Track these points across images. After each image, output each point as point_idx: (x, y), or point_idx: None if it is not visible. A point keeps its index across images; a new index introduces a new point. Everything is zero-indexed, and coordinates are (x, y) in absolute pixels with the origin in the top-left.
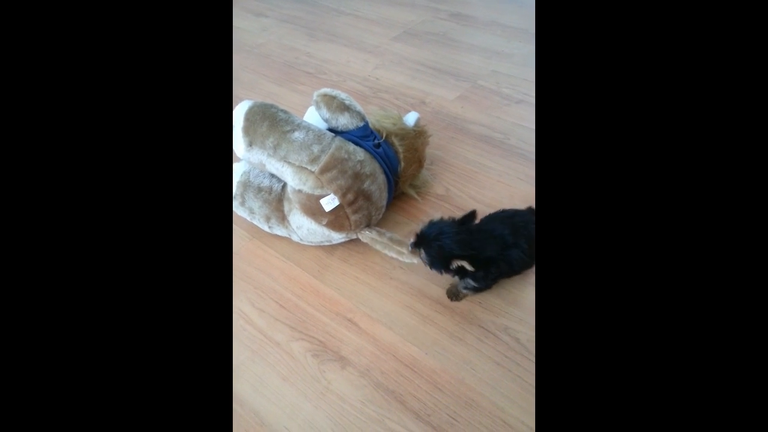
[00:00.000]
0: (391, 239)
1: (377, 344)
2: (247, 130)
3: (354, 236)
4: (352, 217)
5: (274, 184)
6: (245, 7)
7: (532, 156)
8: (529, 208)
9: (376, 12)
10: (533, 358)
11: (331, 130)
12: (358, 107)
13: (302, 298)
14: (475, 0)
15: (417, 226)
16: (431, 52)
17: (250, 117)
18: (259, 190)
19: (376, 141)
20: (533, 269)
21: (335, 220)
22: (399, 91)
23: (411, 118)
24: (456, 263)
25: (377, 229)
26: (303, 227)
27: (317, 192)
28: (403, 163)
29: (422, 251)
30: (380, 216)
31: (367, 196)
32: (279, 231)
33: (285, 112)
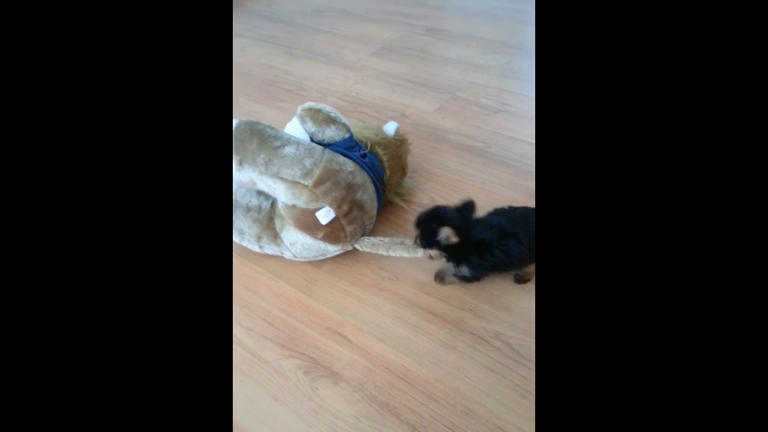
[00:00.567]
0: (391, 240)
1: (369, 357)
2: (237, 148)
3: (349, 247)
4: (348, 228)
5: (262, 202)
6: None
7: (514, 163)
8: (528, 207)
9: (353, 29)
10: (527, 363)
11: (316, 143)
12: (343, 119)
13: (291, 315)
14: (448, 15)
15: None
16: (409, 66)
17: (239, 135)
18: (248, 209)
19: (362, 151)
20: (532, 268)
21: (331, 232)
22: (379, 104)
23: (390, 128)
24: (444, 233)
25: (373, 236)
26: (297, 243)
27: (312, 206)
28: (388, 172)
29: (418, 231)
30: (372, 225)
31: (360, 206)
32: (270, 250)
33: (272, 128)
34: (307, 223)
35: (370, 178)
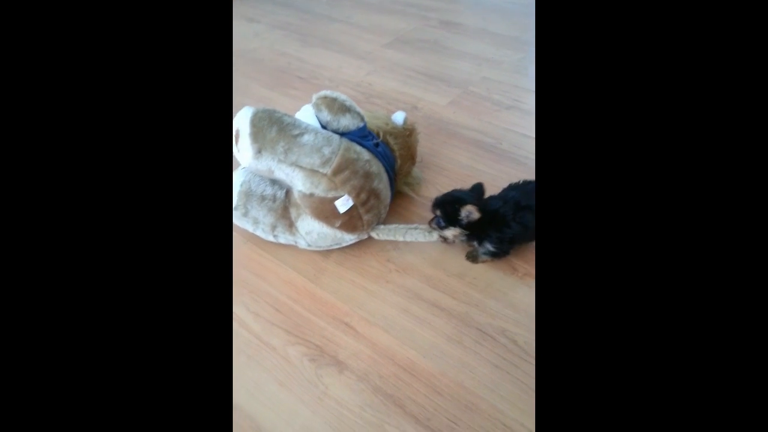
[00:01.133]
0: (407, 226)
1: (375, 348)
2: (256, 136)
3: (365, 236)
4: (365, 217)
5: (276, 191)
6: (238, 12)
7: (524, 160)
8: None
9: (367, 20)
10: (531, 361)
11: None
12: (358, 108)
13: (298, 302)
14: (463, 8)
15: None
16: (422, 59)
17: (257, 123)
18: (263, 198)
19: (375, 141)
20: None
21: (349, 221)
22: (391, 96)
23: (399, 117)
24: (464, 211)
25: (389, 225)
26: (313, 232)
27: (331, 194)
28: (399, 161)
29: (436, 212)
30: (386, 214)
31: (376, 195)
32: (284, 239)
33: (288, 116)
34: (324, 211)
35: (384, 167)
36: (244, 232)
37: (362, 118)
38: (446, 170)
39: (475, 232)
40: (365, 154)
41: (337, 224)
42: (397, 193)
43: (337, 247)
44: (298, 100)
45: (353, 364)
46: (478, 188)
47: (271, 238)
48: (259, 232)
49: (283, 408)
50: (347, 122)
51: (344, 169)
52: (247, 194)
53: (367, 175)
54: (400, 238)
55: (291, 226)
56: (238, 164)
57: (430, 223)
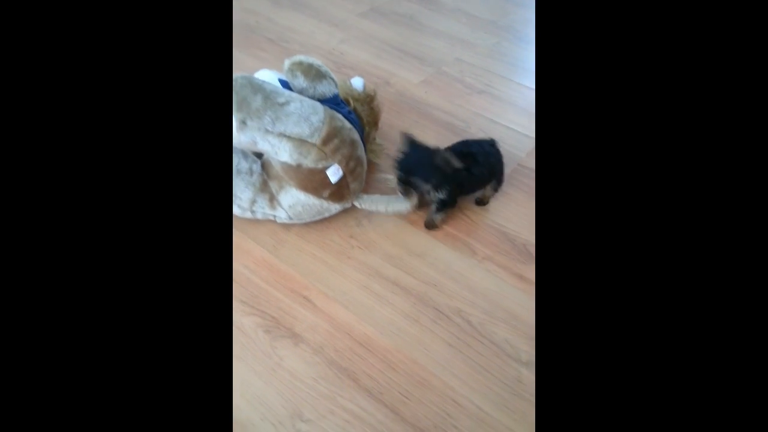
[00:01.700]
0: (389, 198)
1: (332, 322)
2: (240, 105)
3: (348, 205)
4: (352, 186)
5: (251, 164)
6: None
7: None
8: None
9: None
10: (484, 341)
11: None
12: (332, 74)
13: (255, 273)
14: None
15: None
16: (397, 33)
17: (239, 91)
18: (238, 172)
19: (348, 108)
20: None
21: (337, 191)
22: (364, 69)
23: (358, 83)
24: (445, 161)
25: (369, 195)
26: (297, 205)
27: (321, 164)
28: (367, 128)
29: (413, 179)
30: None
31: (360, 162)
32: (262, 214)
33: (267, 83)
34: (313, 182)
35: (359, 134)
36: None
37: (336, 85)
38: None
39: (435, 185)
40: (346, 122)
41: (326, 194)
42: None
43: (320, 218)
44: (266, 63)
45: (309, 337)
46: (411, 141)
47: (248, 215)
48: (235, 210)
49: (236, 378)
50: (324, 89)
51: (333, 137)
52: None
53: (353, 143)
54: (382, 209)
55: (272, 199)
56: None
57: (400, 189)
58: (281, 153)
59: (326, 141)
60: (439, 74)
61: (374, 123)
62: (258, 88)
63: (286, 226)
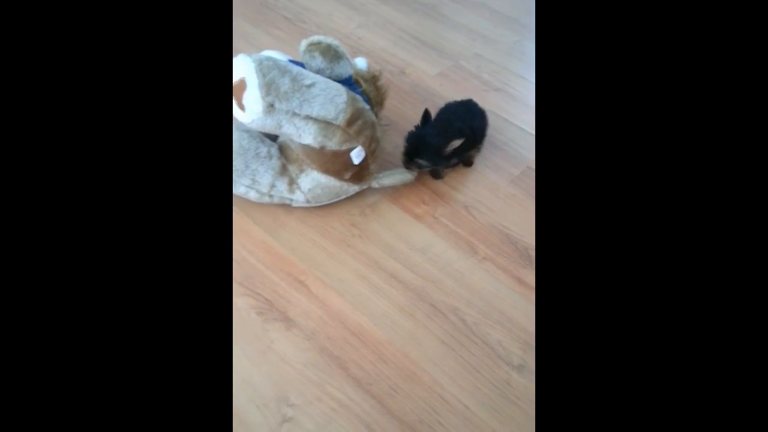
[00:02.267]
0: (392, 171)
1: (326, 309)
2: (269, 88)
3: (365, 186)
4: (372, 167)
5: (269, 147)
6: None
7: (503, 146)
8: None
9: None
10: (477, 341)
11: None
12: (347, 55)
13: (252, 254)
14: None
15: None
16: (417, 23)
17: (266, 72)
18: (257, 156)
19: (360, 88)
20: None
21: (358, 171)
22: (380, 56)
23: (362, 63)
24: (452, 146)
25: (382, 173)
26: (317, 187)
27: (345, 146)
28: (375, 108)
29: (420, 161)
30: None
31: (378, 143)
32: (279, 199)
33: (290, 64)
34: (336, 165)
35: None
36: None
37: (351, 66)
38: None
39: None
40: (365, 103)
41: (347, 176)
42: None
43: (337, 200)
44: (281, 41)
45: (302, 323)
46: (427, 116)
47: (266, 200)
48: (251, 195)
49: None
50: (341, 70)
51: (357, 119)
52: (241, 153)
53: (373, 125)
54: (388, 183)
55: (291, 183)
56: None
57: (406, 164)
58: (305, 136)
59: (350, 122)
60: (457, 68)
61: (380, 103)
62: (285, 70)
63: (287, 209)
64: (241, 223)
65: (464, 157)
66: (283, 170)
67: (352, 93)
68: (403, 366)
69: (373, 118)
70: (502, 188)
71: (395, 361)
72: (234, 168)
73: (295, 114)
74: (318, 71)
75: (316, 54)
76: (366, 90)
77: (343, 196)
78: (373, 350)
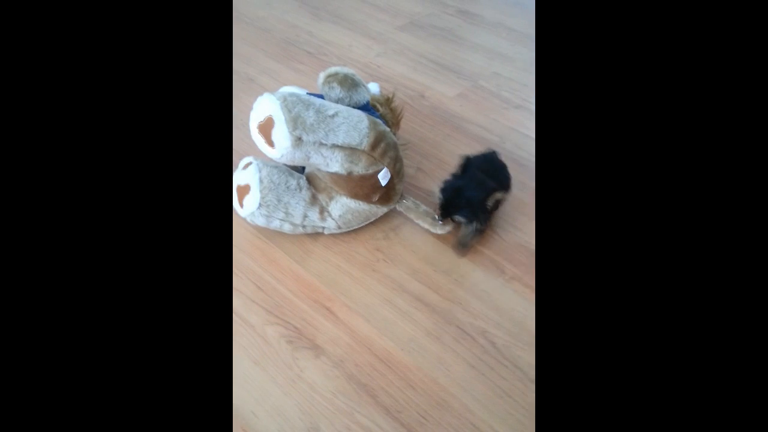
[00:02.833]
0: (425, 212)
1: (353, 336)
2: (295, 122)
3: (393, 206)
4: (398, 187)
5: (298, 180)
6: None
7: (526, 162)
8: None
9: None
10: (507, 365)
11: None
12: (363, 81)
13: (281, 282)
14: None
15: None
16: (435, 47)
17: (291, 108)
18: (288, 189)
19: (378, 112)
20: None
21: (386, 193)
22: (399, 81)
23: (374, 88)
24: (494, 199)
25: (412, 198)
26: (348, 213)
27: (371, 170)
28: (393, 129)
29: (456, 216)
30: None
31: (402, 163)
32: (312, 228)
33: (312, 97)
34: (364, 188)
35: None
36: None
37: (368, 91)
38: (445, 163)
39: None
40: (385, 125)
41: (375, 199)
42: None
43: (366, 223)
44: (304, 75)
45: (330, 350)
46: (467, 164)
47: (299, 231)
48: (286, 228)
49: (255, 386)
50: (358, 97)
51: (380, 141)
52: (272, 189)
53: (395, 145)
54: (413, 218)
55: (322, 211)
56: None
57: (441, 219)
58: (332, 164)
59: (374, 146)
60: (476, 88)
61: (396, 124)
62: (308, 103)
63: (313, 237)
64: (270, 252)
65: (496, 208)
66: (314, 200)
67: (372, 117)
68: (432, 392)
69: (395, 139)
70: (528, 205)
71: (424, 387)
72: (267, 203)
73: (321, 144)
74: (338, 101)
75: (335, 84)
76: (383, 113)
77: (372, 219)
78: (401, 376)
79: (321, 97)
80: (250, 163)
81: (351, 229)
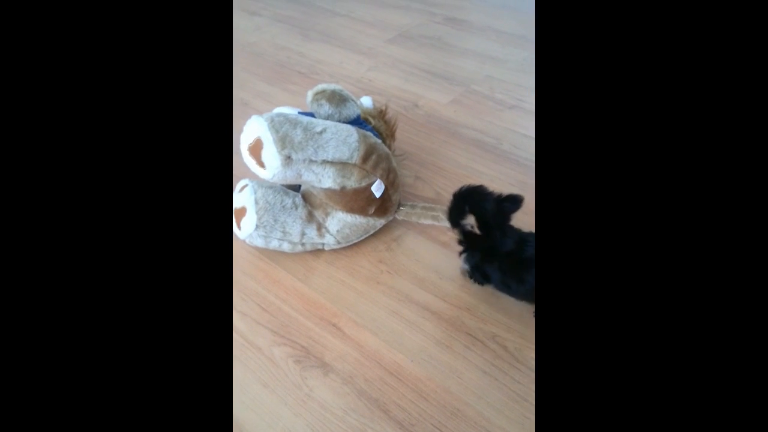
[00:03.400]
0: (423, 207)
1: (362, 350)
2: (283, 142)
3: (391, 218)
4: (393, 197)
5: (294, 198)
6: (239, 5)
7: (525, 161)
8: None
9: (370, 14)
10: (521, 368)
11: None
12: (353, 96)
13: (286, 302)
14: (470, 5)
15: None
16: (425, 56)
17: (279, 128)
18: (284, 209)
19: (370, 126)
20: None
21: (381, 205)
22: (392, 93)
23: (367, 101)
24: (468, 220)
25: (408, 203)
26: (345, 227)
27: (364, 183)
28: (387, 141)
29: (450, 204)
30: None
31: (396, 174)
32: (311, 245)
33: (299, 115)
34: (359, 202)
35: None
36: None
37: (357, 105)
38: (444, 170)
39: (470, 247)
40: (376, 138)
41: (371, 211)
42: None
43: (365, 236)
44: (297, 95)
45: (339, 367)
46: (513, 201)
47: (299, 249)
48: (285, 247)
49: (266, 409)
50: (348, 112)
51: (371, 154)
52: (268, 209)
53: (388, 156)
54: (415, 220)
55: (320, 228)
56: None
57: (447, 212)
58: (325, 180)
59: (365, 158)
60: (469, 93)
61: (391, 135)
62: (295, 122)
63: (315, 254)
64: (272, 273)
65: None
66: (310, 217)
67: (362, 131)
68: (446, 402)
69: (387, 150)
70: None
71: (437, 398)
72: (264, 224)
73: (312, 161)
74: (327, 117)
75: (323, 101)
76: (376, 126)
77: (371, 231)
78: (412, 388)
79: (312, 115)
80: (246, 186)
81: (351, 243)
